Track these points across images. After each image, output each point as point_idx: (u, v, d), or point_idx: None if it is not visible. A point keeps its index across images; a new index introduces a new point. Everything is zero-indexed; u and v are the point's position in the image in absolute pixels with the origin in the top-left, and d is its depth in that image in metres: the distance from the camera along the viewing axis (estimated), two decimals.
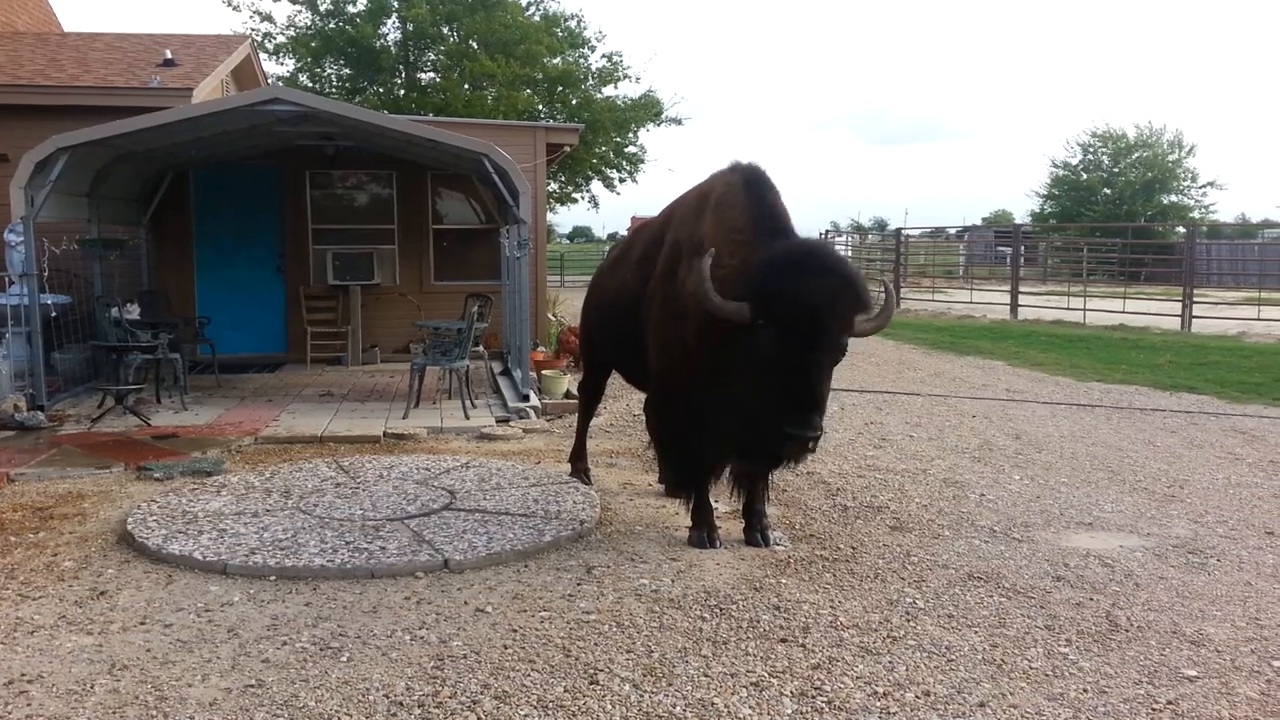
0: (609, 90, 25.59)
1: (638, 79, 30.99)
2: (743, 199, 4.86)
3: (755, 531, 5.33)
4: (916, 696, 3.59)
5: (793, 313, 4.23)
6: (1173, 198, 41.39)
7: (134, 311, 9.98)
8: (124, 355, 8.96)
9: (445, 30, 25.03)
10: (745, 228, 4.75)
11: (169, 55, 13.33)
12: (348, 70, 25.69)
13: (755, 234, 4.70)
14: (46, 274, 9.06)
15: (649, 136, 50.00)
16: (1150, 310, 18.73)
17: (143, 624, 4.19)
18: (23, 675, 3.70)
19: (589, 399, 7.01)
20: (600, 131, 24.14)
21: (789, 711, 3.47)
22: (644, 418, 5.86)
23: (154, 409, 8.90)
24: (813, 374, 4.30)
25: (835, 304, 4.30)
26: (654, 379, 5.48)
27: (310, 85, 24.88)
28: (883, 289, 4.86)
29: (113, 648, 3.95)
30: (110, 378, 9.14)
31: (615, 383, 11.13)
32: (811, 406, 4.30)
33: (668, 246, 5.26)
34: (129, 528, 5.34)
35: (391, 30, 25.51)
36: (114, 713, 3.41)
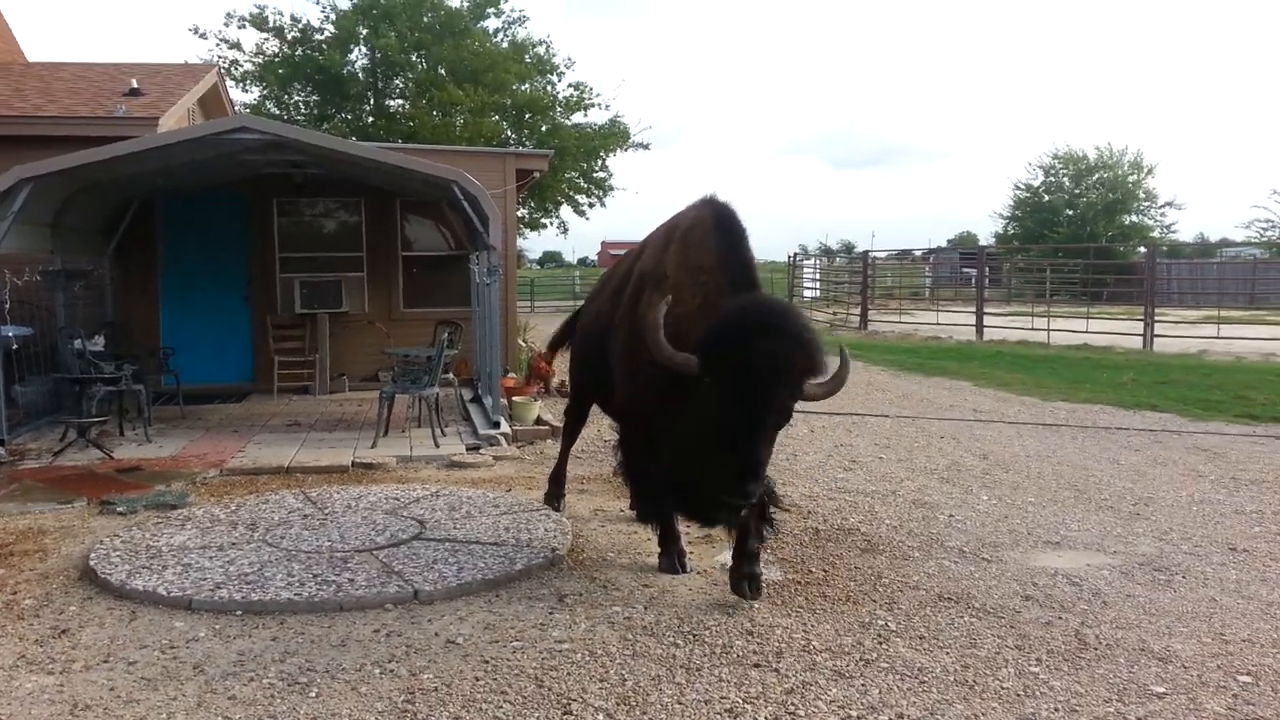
0: (577, 118, 25.74)
1: (606, 106, 31.16)
2: (711, 238, 4.73)
3: (743, 579, 4.81)
4: (890, 719, 3.59)
5: (736, 374, 4.09)
6: (1133, 218, 42.14)
7: (98, 343, 9.84)
8: (87, 387, 8.82)
9: (414, 58, 25.07)
10: (710, 268, 4.64)
11: (134, 84, 13.26)
12: (315, 97, 25.64)
13: (720, 275, 4.59)
14: (8, 305, 8.92)
15: (617, 162, 50.11)
16: (1113, 330, 19.02)
17: (106, 662, 4.11)
18: None
19: (573, 424, 6.90)
20: (569, 158, 24.24)
21: None
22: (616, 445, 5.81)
23: (117, 441, 8.78)
24: (752, 437, 4.15)
25: (781, 367, 4.14)
26: (619, 407, 5.45)
27: (277, 113, 24.81)
28: (838, 354, 4.61)
29: (75, 687, 3.87)
30: (73, 410, 8.99)
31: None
32: (748, 472, 4.15)
33: (635, 276, 5.20)
34: (91, 563, 5.24)
35: (359, 58, 25.53)
36: None
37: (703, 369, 4.21)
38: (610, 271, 6.39)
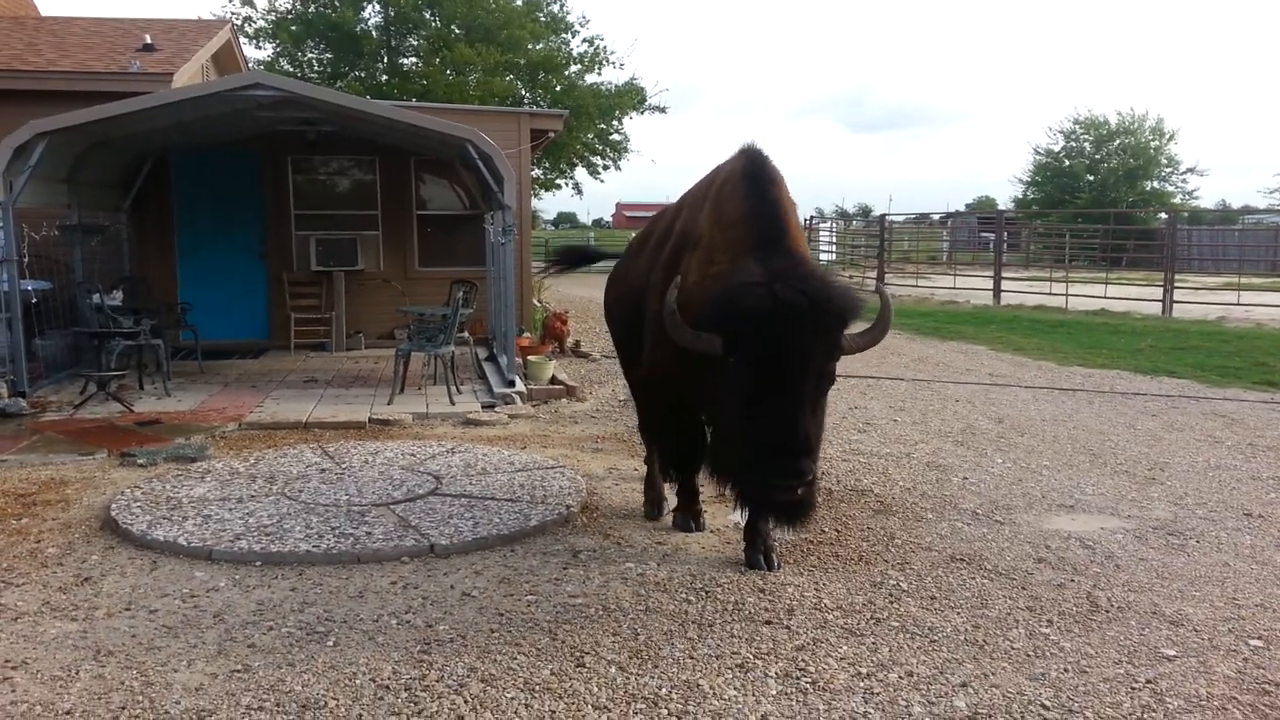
0: (592, 77, 25.53)
1: (621, 65, 30.92)
2: (741, 189, 4.43)
3: (758, 553, 4.73)
4: (900, 677, 3.62)
5: (764, 350, 3.79)
6: (1154, 184, 41.62)
7: (117, 297, 9.91)
8: (106, 341, 8.90)
9: (427, 15, 24.86)
10: (738, 221, 4.35)
11: (148, 40, 13.21)
12: (329, 55, 25.50)
13: (747, 228, 4.30)
14: (27, 260, 8.98)
15: (633, 124, 49.57)
16: (1131, 295, 18.87)
17: (128, 610, 4.18)
18: (6, 662, 3.68)
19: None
20: (584, 118, 24.07)
21: (774, 692, 3.50)
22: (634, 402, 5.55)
23: (136, 395, 8.85)
24: (793, 415, 3.80)
25: (812, 332, 3.83)
26: (646, 368, 5.16)
27: (291, 70, 24.69)
28: (879, 296, 4.24)
29: (98, 634, 3.94)
30: (92, 364, 9.07)
31: (601, 369, 11.15)
32: (797, 451, 3.80)
33: (676, 235, 4.89)
34: (113, 514, 5.32)
35: (373, 15, 25.34)
36: (99, 699, 3.41)
37: (726, 348, 3.93)
38: (646, 232, 6.01)
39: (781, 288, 3.84)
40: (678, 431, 5.08)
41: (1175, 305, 17.73)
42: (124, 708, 3.34)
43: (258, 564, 4.69)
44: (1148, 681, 3.60)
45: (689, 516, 5.30)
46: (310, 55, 25.63)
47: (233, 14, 24.26)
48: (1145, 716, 3.35)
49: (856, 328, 4.07)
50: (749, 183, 4.44)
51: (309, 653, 3.76)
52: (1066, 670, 3.70)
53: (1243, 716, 3.37)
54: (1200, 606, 4.32)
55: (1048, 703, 3.44)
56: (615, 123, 25.94)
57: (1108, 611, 4.25)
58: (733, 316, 3.89)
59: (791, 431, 3.80)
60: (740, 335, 3.86)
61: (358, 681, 3.53)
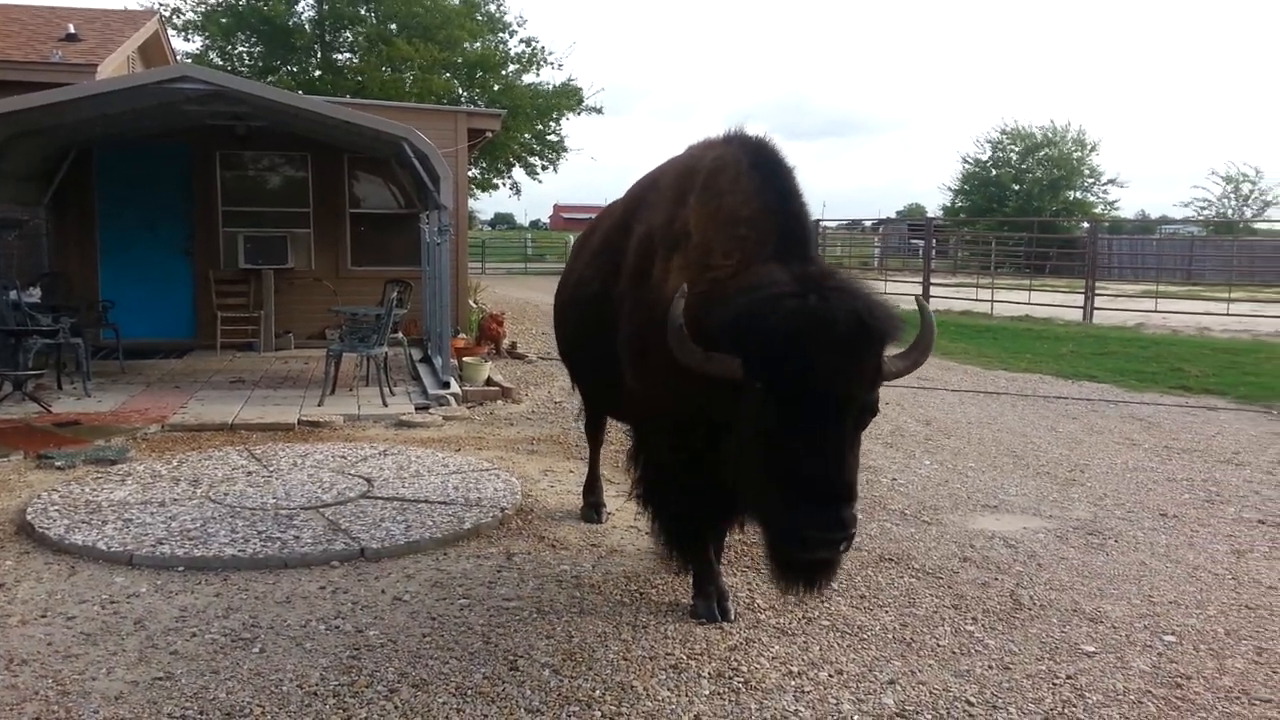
0: (529, 77, 25.45)
1: (559, 66, 30.83)
2: (747, 181, 3.64)
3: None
4: (829, 675, 3.68)
5: (801, 375, 3.07)
6: (1077, 194, 42.83)
7: (35, 294, 9.57)
8: (23, 340, 8.57)
9: (363, 11, 24.53)
10: (748, 218, 3.57)
11: (71, 30, 12.82)
12: (260, 48, 25.00)
13: (764, 227, 3.55)
14: None
15: (570, 125, 49.39)
16: (1054, 302, 19.37)
17: (43, 617, 4.04)
18: None
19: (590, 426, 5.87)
20: (521, 118, 23.97)
21: (707, 692, 3.52)
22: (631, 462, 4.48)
23: (55, 395, 8.56)
24: (836, 455, 3.09)
25: (858, 355, 3.13)
26: (631, 406, 4.33)
27: (221, 64, 24.16)
28: (919, 313, 3.57)
29: (11, 642, 3.80)
30: (8, 363, 8.74)
31: (537, 370, 11.10)
32: (840, 497, 3.09)
33: (637, 238, 4.07)
34: (29, 518, 5.14)
35: (306, 9, 24.92)
36: (12, 709, 3.29)
37: (750, 373, 3.18)
38: (589, 230, 5.44)
39: (819, 301, 3.14)
40: (691, 487, 3.92)
41: (1096, 312, 18.27)
42: (39, 718, 3.24)
43: (180, 569, 4.57)
44: (1068, 677, 3.71)
45: (712, 600, 4.17)
46: (241, 49, 25.11)
47: (160, 5, 23.65)
48: (1066, 711, 3.45)
49: (894, 349, 3.38)
50: (761, 174, 3.68)
51: (234, 660, 3.68)
52: (991, 667, 3.79)
53: (1157, 709, 3.49)
54: (1118, 604, 4.46)
55: (973, 699, 3.52)
56: (553, 123, 25.88)
57: (1030, 609, 4.36)
58: (760, 334, 3.14)
59: (832, 475, 3.09)
60: (770, 357, 3.12)
61: (284, 688, 3.47)
